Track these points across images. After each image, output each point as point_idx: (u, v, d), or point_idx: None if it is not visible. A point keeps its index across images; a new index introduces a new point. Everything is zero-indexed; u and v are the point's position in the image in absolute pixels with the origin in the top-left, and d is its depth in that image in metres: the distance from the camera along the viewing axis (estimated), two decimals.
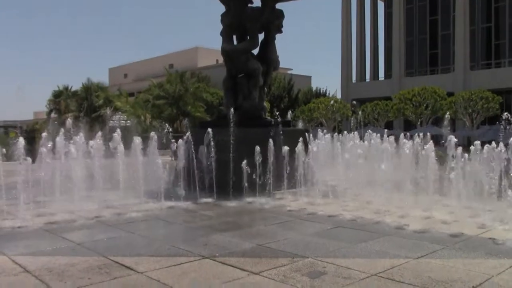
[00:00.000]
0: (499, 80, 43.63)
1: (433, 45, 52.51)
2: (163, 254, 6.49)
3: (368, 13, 57.69)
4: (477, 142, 10.86)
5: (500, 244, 6.97)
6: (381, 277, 5.46)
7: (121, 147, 11.63)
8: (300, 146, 11.95)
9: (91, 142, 11.97)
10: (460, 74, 47.30)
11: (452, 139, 10.65)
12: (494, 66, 47.80)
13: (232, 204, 10.88)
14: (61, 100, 50.76)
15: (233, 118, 12.46)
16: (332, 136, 16.30)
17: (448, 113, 18.50)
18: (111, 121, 39.51)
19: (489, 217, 8.77)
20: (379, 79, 56.29)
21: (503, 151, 10.20)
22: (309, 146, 13.12)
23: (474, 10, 48.45)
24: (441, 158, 11.62)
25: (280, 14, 14.71)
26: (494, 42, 48.60)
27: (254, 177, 11.48)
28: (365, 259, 6.25)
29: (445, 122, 15.55)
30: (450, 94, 40.61)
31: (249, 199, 11.24)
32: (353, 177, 12.71)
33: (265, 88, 15.34)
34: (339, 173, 13.86)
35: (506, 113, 13.78)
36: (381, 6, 57.44)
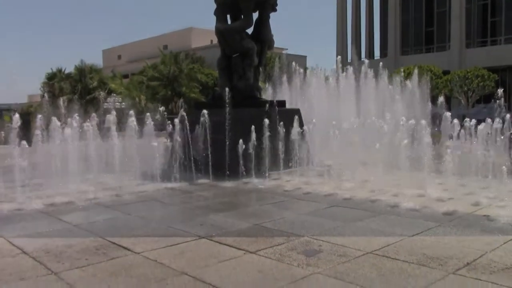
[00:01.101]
0: (495, 57, 43.47)
1: (429, 23, 52.08)
2: (160, 234, 6.53)
3: None
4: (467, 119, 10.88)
5: (494, 221, 7.04)
6: (377, 254, 5.52)
7: (116, 129, 11.59)
8: (295, 126, 11.93)
9: (86, 124, 11.90)
10: (455, 52, 47.09)
11: (448, 117, 10.67)
12: (490, 44, 47.56)
13: (228, 184, 10.91)
14: (54, 83, 50.33)
15: (228, 99, 12.40)
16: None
17: (442, 93, 18.56)
18: (105, 103, 39.27)
19: (484, 194, 8.85)
20: (375, 58, 56.00)
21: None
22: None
23: None
24: (436, 137, 11.65)
25: None
26: (490, 19, 48.21)
27: (249, 157, 11.49)
28: (361, 237, 6.30)
29: (439, 101, 15.56)
30: (446, 73, 40.48)
31: (245, 180, 11.27)
32: (349, 156, 12.73)
33: (260, 68, 15.22)
34: (335, 152, 13.88)
35: (501, 89, 13.78)
36: None
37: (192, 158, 11.67)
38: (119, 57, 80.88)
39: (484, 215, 7.38)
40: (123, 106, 36.96)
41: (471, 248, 5.71)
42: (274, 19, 14.83)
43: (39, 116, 11.05)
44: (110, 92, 46.33)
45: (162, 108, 18.92)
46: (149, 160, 11.77)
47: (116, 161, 11.43)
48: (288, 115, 12.67)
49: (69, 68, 52.42)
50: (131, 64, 69.37)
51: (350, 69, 19.48)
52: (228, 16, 14.56)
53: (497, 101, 13.02)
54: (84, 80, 48.81)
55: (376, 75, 19.17)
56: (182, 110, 12.62)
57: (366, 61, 20.21)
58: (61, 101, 16.83)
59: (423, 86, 19.64)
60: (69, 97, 43.18)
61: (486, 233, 6.41)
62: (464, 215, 7.49)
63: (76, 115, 11.77)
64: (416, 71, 21.47)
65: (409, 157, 10.66)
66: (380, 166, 10.82)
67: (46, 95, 39.01)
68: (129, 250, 5.81)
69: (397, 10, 52.04)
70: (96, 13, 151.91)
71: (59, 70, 52.32)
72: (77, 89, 48.53)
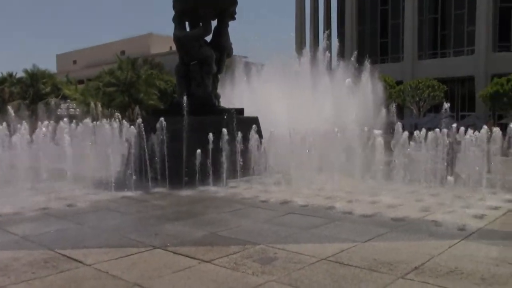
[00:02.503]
0: (445, 69, 45.60)
1: (384, 34, 53.96)
2: (112, 245, 6.37)
3: (322, 2, 58.40)
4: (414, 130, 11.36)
5: (441, 226, 7.35)
6: (330, 261, 5.63)
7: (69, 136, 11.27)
8: (253, 134, 12.01)
9: (37, 131, 11.50)
10: (408, 63, 49.03)
11: (399, 126, 11.07)
12: (440, 56, 49.82)
13: (185, 193, 10.79)
14: (4, 88, 48.30)
15: (186, 106, 12.31)
16: None
17: (394, 102, 19.37)
18: (58, 110, 38.02)
19: (432, 200, 9.22)
20: (332, 68, 57.21)
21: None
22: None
23: (422, 0, 50.12)
24: (389, 145, 12.02)
25: (234, 1, 14.59)
26: (440, 32, 50.58)
27: (207, 165, 11.44)
28: (315, 244, 6.40)
29: (392, 110, 16.27)
30: (399, 83, 42.03)
31: (203, 188, 11.20)
32: (306, 164, 12.92)
33: (219, 76, 15.24)
34: (293, 160, 14.04)
35: (446, 103, 14.64)
36: None
37: (148, 166, 11.48)
38: (75, 62, 78.78)
39: (432, 221, 7.69)
40: (77, 113, 35.97)
41: (420, 252, 5.93)
42: (233, 27, 14.92)
43: None
44: (64, 98, 44.95)
45: (117, 114, 18.47)
46: (104, 168, 11.51)
47: (69, 169, 11.11)
48: (246, 123, 12.73)
49: (21, 73, 50.39)
50: (87, 70, 67.69)
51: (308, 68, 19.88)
52: (187, 23, 14.51)
53: (444, 111, 13.80)
54: (36, 85, 47.06)
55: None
56: (138, 117, 12.41)
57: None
58: (10, 107, 16.19)
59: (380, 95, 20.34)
60: (19, 103, 41.54)
61: (434, 237, 6.67)
62: (413, 220, 7.77)
63: (24, 122, 11.34)
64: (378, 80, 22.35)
65: (364, 164, 10.97)
66: (336, 173, 11.06)
67: None
68: (79, 262, 5.63)
69: (354, 20, 53.62)
70: (50, 16, 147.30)
71: (10, 74, 50.29)
72: (28, 94, 46.73)
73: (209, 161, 11.41)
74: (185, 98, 12.62)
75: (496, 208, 8.75)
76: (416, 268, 5.34)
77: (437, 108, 38.91)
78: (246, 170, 12.27)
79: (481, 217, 7.94)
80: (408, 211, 8.37)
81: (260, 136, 12.85)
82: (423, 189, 10.35)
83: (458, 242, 6.40)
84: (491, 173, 10.71)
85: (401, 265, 5.44)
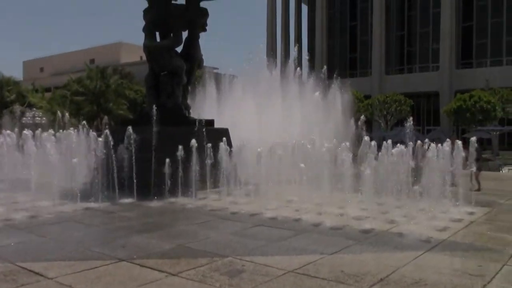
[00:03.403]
0: (411, 84, 46.97)
1: (353, 49, 55.19)
2: (76, 258, 6.20)
3: (293, 16, 59.34)
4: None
5: (406, 238, 7.50)
6: (298, 273, 5.64)
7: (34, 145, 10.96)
8: (223, 145, 11.98)
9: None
10: (376, 78, 50.22)
11: (366, 139, 11.28)
12: (407, 72, 51.29)
13: (153, 204, 10.65)
14: None
15: (155, 117, 12.20)
16: None
17: (363, 115, 19.80)
18: (24, 118, 36.92)
19: (398, 213, 9.40)
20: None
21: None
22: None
23: (389, 18, 51.64)
24: (358, 157, 12.21)
25: (205, 13, 14.67)
26: (407, 48, 52.15)
27: (176, 176, 11.32)
28: (283, 256, 6.41)
29: (360, 124, 16.64)
30: (368, 97, 42.95)
31: (172, 199, 11.08)
32: (276, 176, 12.96)
33: (189, 87, 15.20)
34: (262, 172, 14.07)
35: (411, 118, 15.13)
36: (305, 10, 59.36)
37: (116, 177, 11.26)
38: (42, 69, 76.95)
39: (398, 233, 7.84)
40: (43, 121, 35.05)
41: (385, 264, 6.02)
42: (204, 38, 14.95)
43: None
44: (30, 106, 43.77)
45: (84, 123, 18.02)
46: (70, 178, 11.22)
47: (33, 180, 10.77)
48: (216, 134, 12.71)
49: None
50: (54, 78, 66.23)
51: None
52: (158, 33, 14.45)
53: (409, 125, 14.26)
54: (0, 92, 45.67)
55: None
56: (106, 127, 12.21)
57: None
58: None
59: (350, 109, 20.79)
60: None
61: (399, 249, 6.80)
62: (380, 232, 7.90)
63: None
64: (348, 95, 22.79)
65: (332, 176, 11.09)
66: (305, 185, 11.13)
67: None
68: (41, 275, 5.45)
69: (324, 36, 54.63)
70: (17, 21, 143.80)
71: None
72: None
73: (179, 172, 11.30)
74: (154, 108, 12.52)
75: (459, 220, 9.01)
76: (381, 279, 5.42)
77: (403, 122, 39.94)
78: (215, 181, 12.21)
79: (445, 229, 8.15)
80: (375, 223, 8.50)
81: (230, 147, 12.84)
82: (389, 201, 10.54)
83: (423, 254, 6.55)
84: (455, 186, 11.02)
85: (367, 276, 5.51)
